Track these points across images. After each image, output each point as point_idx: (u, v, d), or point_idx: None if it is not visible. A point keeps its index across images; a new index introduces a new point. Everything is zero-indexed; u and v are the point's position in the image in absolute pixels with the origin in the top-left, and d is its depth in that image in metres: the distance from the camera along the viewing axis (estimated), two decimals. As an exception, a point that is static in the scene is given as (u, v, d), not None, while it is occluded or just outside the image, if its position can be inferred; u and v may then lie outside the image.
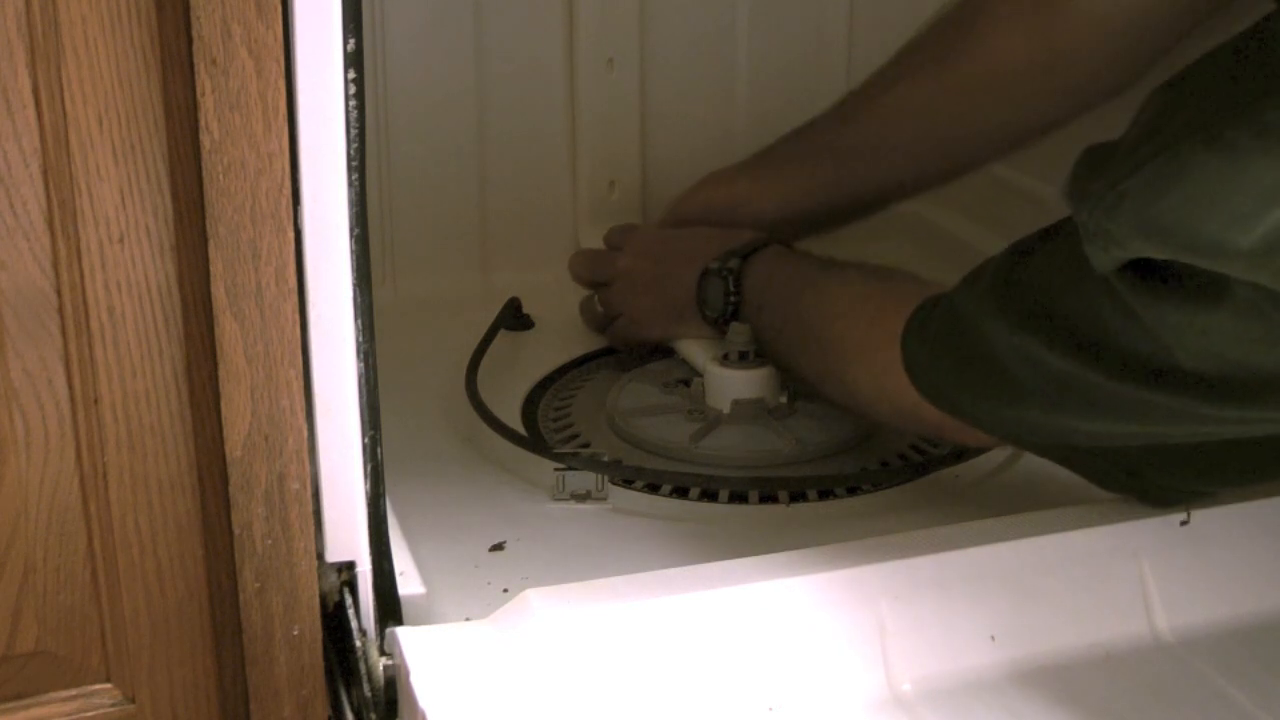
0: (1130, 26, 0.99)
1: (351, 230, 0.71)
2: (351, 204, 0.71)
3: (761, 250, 1.05)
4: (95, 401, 0.71)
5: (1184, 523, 0.83)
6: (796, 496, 0.98)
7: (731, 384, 1.04)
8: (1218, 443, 0.76)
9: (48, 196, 0.68)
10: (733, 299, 1.05)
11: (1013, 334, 0.76)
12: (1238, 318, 0.66)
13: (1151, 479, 0.81)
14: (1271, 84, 0.63)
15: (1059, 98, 1.03)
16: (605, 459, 0.98)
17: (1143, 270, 0.68)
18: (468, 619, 0.80)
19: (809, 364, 0.98)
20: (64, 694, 0.76)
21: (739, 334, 1.04)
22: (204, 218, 0.69)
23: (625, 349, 1.16)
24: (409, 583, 0.80)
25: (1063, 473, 0.85)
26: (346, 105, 0.69)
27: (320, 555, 0.77)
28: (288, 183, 0.69)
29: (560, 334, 1.19)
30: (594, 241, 1.28)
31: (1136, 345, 0.70)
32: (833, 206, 1.13)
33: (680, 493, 0.98)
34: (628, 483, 0.99)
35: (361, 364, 0.74)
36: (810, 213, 1.13)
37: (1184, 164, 0.64)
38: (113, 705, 0.77)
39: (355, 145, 0.70)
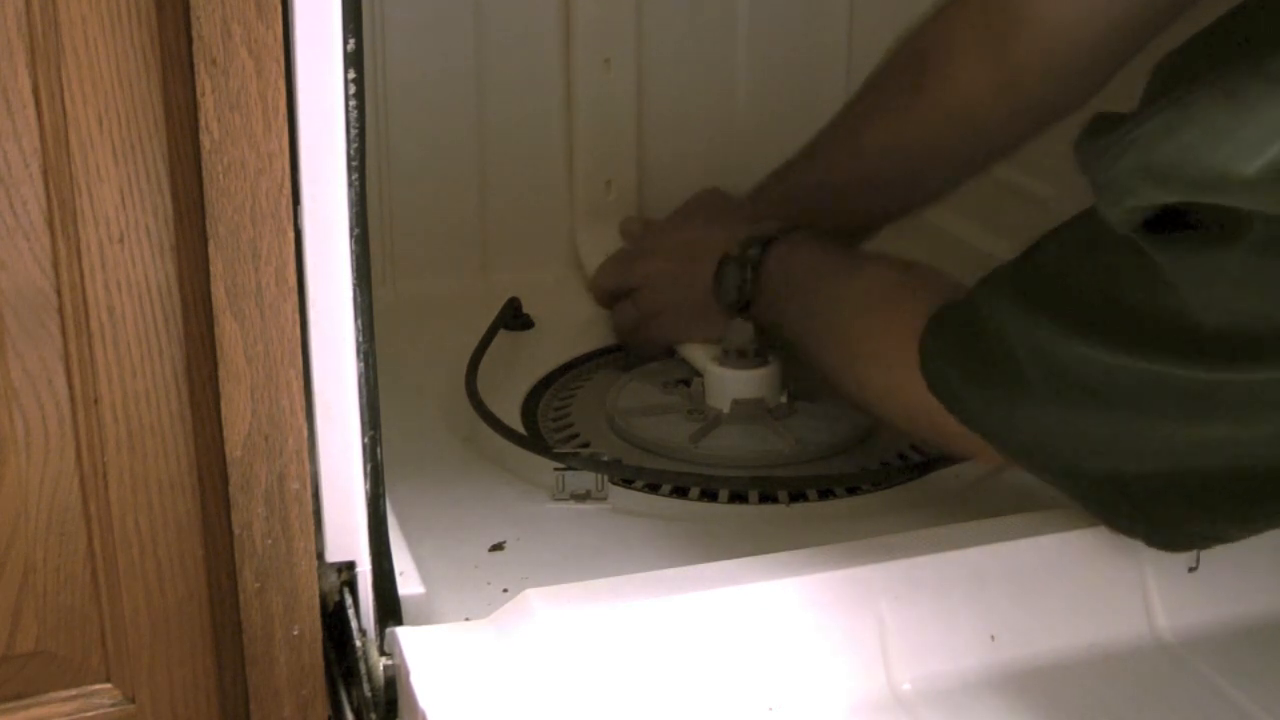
0: (1089, 43, 0.99)
1: (351, 230, 0.71)
2: (351, 204, 0.71)
3: (785, 237, 1.05)
4: (95, 401, 0.71)
5: (1192, 569, 0.82)
6: (796, 496, 0.98)
7: (731, 384, 1.05)
8: (1227, 477, 0.75)
9: (48, 196, 0.68)
10: (748, 286, 1.04)
11: (1027, 319, 0.76)
12: (1254, 255, 0.66)
13: (1159, 517, 0.80)
14: (1276, 36, 0.63)
15: (1022, 118, 1.04)
16: (605, 459, 0.98)
17: (1158, 226, 0.68)
18: (468, 619, 0.80)
19: (827, 360, 0.97)
20: (64, 694, 0.76)
21: (739, 333, 1.04)
22: (204, 218, 0.69)
23: (654, 354, 1.13)
24: (409, 583, 0.80)
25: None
26: (346, 105, 0.69)
27: (320, 555, 0.77)
28: (288, 183, 0.69)
29: (560, 334, 1.19)
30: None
31: (1152, 303, 0.70)
32: None
33: (680, 492, 0.98)
34: (627, 482, 0.99)
35: (361, 364, 0.74)
36: None
37: (1192, 110, 0.64)
38: (113, 705, 0.77)
39: (355, 145, 0.70)
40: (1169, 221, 0.68)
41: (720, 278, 1.06)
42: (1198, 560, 0.82)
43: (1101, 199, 0.69)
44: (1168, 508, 0.79)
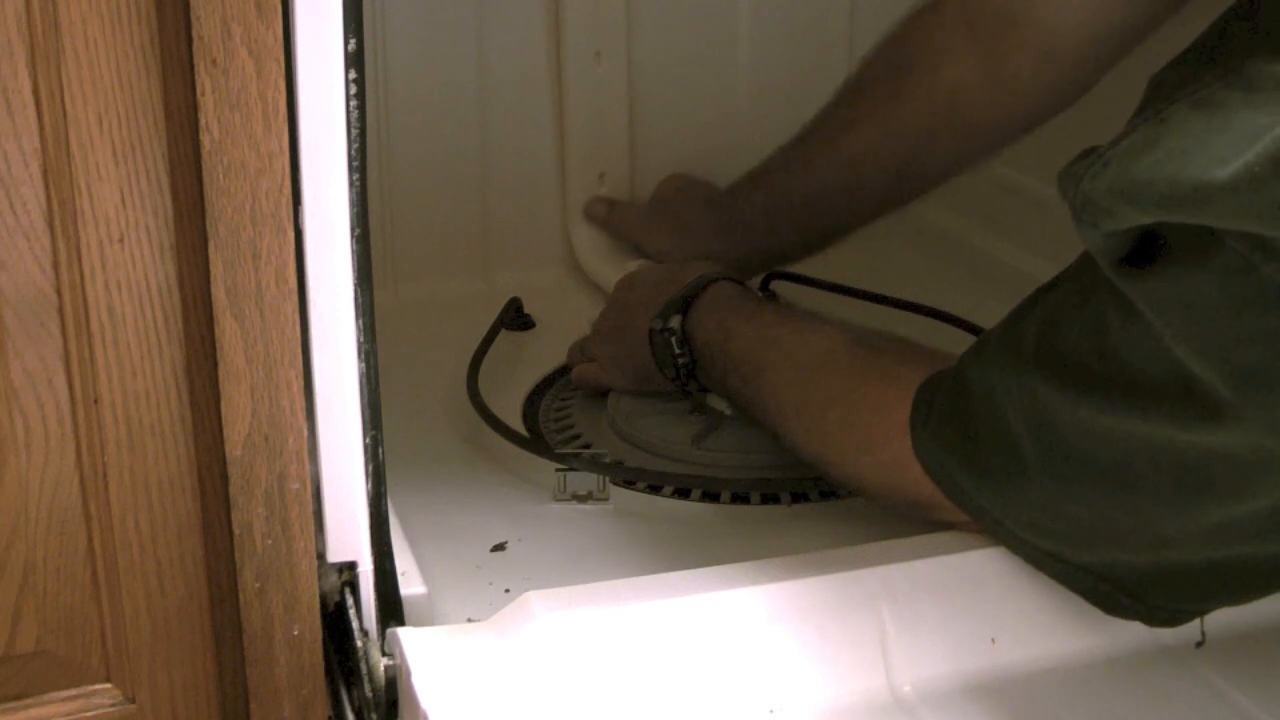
0: (1078, 44, 0.99)
1: (352, 230, 0.71)
2: (353, 204, 0.71)
3: (703, 295, 1.02)
4: (95, 401, 0.71)
5: (1200, 644, 0.81)
6: (798, 497, 0.98)
7: (733, 384, 1.04)
8: (1221, 561, 0.74)
9: (48, 196, 0.68)
10: (681, 360, 1.01)
11: (1020, 384, 0.75)
12: (1228, 276, 0.65)
13: (1154, 601, 0.78)
14: (1256, 47, 0.63)
15: (1010, 121, 1.04)
16: (607, 460, 0.98)
17: (1136, 261, 0.68)
18: (469, 619, 0.80)
19: (804, 446, 0.92)
20: (64, 694, 0.76)
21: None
22: (204, 218, 0.69)
23: (590, 391, 1.11)
24: (410, 583, 0.80)
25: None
26: (348, 105, 0.69)
27: (321, 555, 0.77)
28: (288, 183, 0.69)
29: (561, 334, 1.19)
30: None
31: (1141, 355, 0.69)
32: (804, 249, 1.17)
33: (682, 493, 0.98)
34: (629, 483, 0.99)
35: (363, 364, 0.74)
36: (781, 258, 1.18)
37: (1168, 124, 0.64)
38: (113, 705, 0.77)
39: (356, 145, 0.70)
40: (1146, 256, 0.67)
41: (655, 352, 1.02)
42: (1204, 636, 0.81)
43: (1080, 224, 0.68)
44: (1163, 595, 0.78)
